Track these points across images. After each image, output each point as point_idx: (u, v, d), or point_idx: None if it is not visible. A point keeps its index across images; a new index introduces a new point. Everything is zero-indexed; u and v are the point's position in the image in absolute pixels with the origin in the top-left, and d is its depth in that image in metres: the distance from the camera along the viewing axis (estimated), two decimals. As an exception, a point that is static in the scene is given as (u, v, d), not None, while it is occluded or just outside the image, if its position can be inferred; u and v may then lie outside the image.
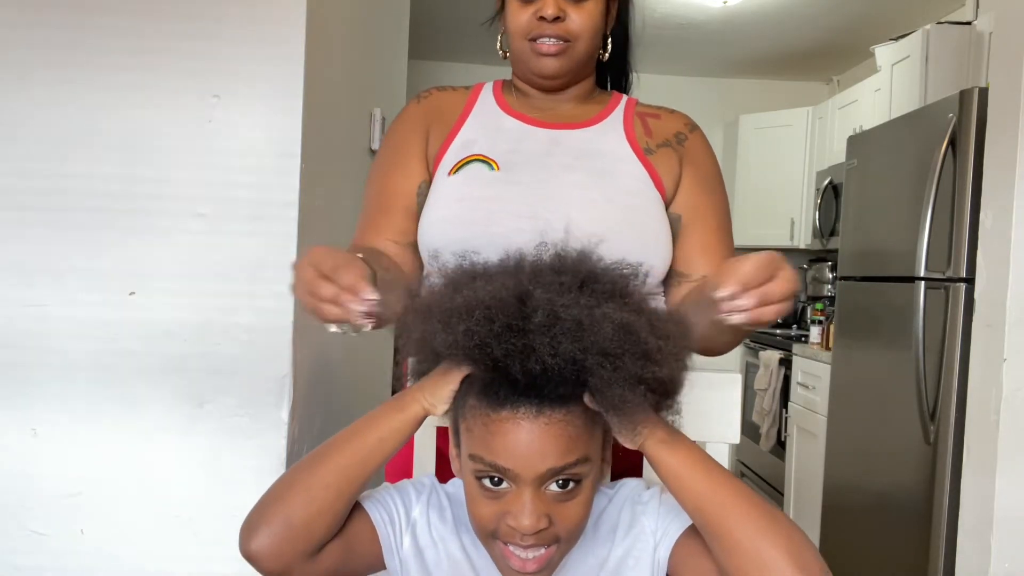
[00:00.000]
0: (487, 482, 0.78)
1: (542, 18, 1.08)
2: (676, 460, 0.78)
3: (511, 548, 0.79)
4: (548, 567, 0.80)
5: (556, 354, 0.73)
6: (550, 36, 1.09)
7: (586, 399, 0.77)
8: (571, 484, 0.78)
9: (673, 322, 0.81)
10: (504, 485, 0.78)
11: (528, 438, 0.75)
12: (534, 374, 0.74)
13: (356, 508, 0.85)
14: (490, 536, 0.80)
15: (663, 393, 0.78)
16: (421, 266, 1.14)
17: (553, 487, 0.77)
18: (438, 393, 0.82)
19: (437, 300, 0.81)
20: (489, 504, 0.79)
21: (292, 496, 0.79)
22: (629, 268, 0.83)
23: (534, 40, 1.10)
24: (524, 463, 0.75)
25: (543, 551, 0.79)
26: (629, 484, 0.90)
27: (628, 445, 0.80)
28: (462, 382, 0.81)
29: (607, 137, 1.15)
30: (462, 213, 1.08)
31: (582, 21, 1.09)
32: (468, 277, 0.82)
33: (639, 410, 0.77)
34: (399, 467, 1.07)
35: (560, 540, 0.79)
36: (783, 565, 0.72)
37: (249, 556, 0.79)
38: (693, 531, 0.82)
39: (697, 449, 0.80)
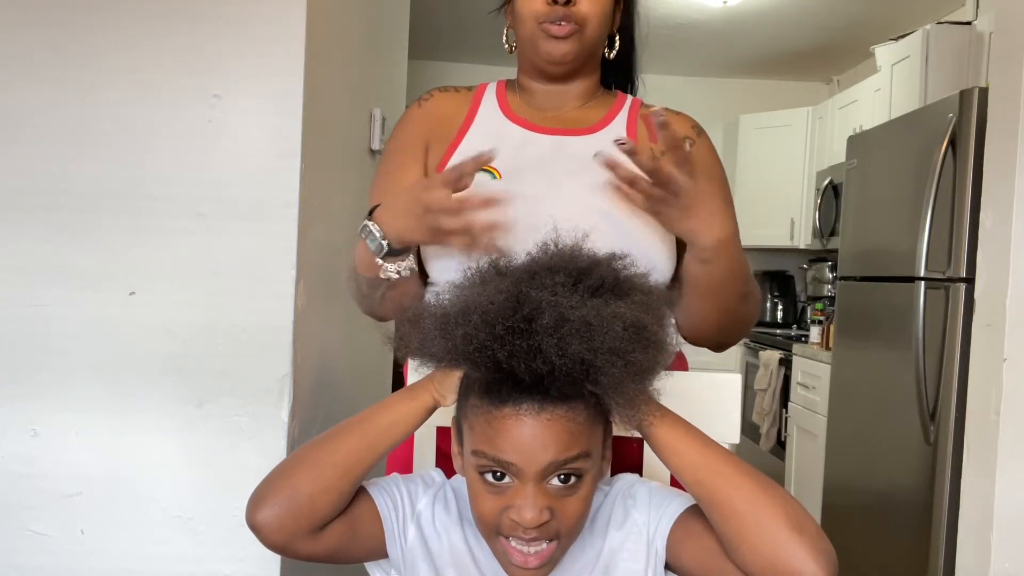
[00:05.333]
0: (490, 477, 0.79)
1: (555, 1, 1.08)
2: (673, 435, 0.81)
3: (513, 544, 0.80)
4: (549, 563, 0.81)
5: (564, 355, 0.74)
6: (561, 19, 1.09)
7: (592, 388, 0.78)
8: (572, 479, 0.79)
9: (662, 300, 0.84)
10: (506, 480, 0.79)
11: (531, 433, 0.76)
12: (540, 374, 0.75)
13: (363, 493, 0.86)
14: (493, 531, 0.81)
15: (658, 372, 0.81)
16: (425, 276, 1.13)
17: (555, 481, 0.78)
18: (447, 383, 0.84)
19: (431, 306, 0.82)
20: (492, 499, 0.80)
21: (299, 472, 0.81)
22: (617, 258, 0.85)
23: (545, 23, 1.10)
24: (526, 457, 0.77)
25: (544, 546, 0.80)
26: (624, 479, 0.91)
27: (626, 426, 0.82)
28: (462, 381, 0.82)
29: (609, 143, 1.14)
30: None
31: (591, 6, 1.10)
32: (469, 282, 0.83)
33: (644, 397, 0.79)
34: (400, 465, 1.08)
35: (561, 535, 0.80)
36: (781, 526, 0.74)
37: (253, 526, 0.81)
38: (687, 515, 0.84)
39: (690, 424, 0.83)
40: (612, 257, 0.85)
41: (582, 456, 0.78)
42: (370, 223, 0.97)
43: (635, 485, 0.89)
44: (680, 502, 0.85)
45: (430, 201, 0.89)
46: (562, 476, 0.78)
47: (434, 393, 0.84)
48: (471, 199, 0.90)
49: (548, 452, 0.76)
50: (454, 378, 0.83)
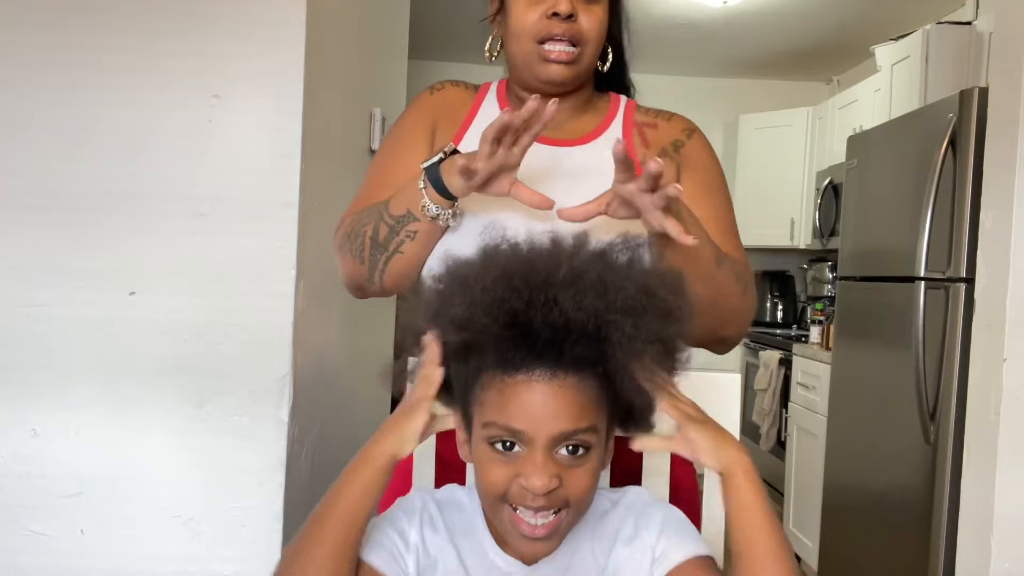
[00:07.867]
0: (499, 446, 0.80)
1: (555, 14, 1.05)
2: (754, 494, 0.80)
3: (520, 513, 0.80)
4: (556, 534, 0.82)
5: (580, 308, 0.76)
6: (560, 37, 1.06)
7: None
8: (580, 450, 0.80)
9: (681, 280, 0.84)
10: (516, 449, 0.79)
11: (542, 400, 0.78)
12: (556, 327, 0.76)
13: (362, 564, 0.84)
14: (500, 500, 0.81)
15: (675, 350, 0.82)
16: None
17: (563, 452, 0.79)
18: (403, 434, 0.83)
19: (448, 271, 0.84)
20: (501, 468, 0.80)
21: (303, 565, 0.80)
22: (628, 242, 0.85)
23: (543, 43, 1.07)
24: (537, 425, 0.78)
25: (552, 517, 0.80)
26: (633, 492, 0.91)
27: (709, 466, 0.81)
28: (466, 377, 0.82)
29: (605, 154, 1.11)
30: (458, 239, 1.06)
31: (590, 24, 1.07)
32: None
33: (654, 373, 0.80)
34: (399, 473, 1.07)
35: (568, 506, 0.81)
36: None
37: None
38: (692, 565, 0.84)
39: (761, 481, 0.82)
40: (616, 243, 0.85)
41: (590, 429, 0.79)
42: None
43: (650, 507, 0.90)
44: (692, 546, 0.85)
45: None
46: (571, 447, 0.79)
47: (390, 450, 0.83)
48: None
49: (559, 421, 0.78)
50: (409, 427, 0.82)
